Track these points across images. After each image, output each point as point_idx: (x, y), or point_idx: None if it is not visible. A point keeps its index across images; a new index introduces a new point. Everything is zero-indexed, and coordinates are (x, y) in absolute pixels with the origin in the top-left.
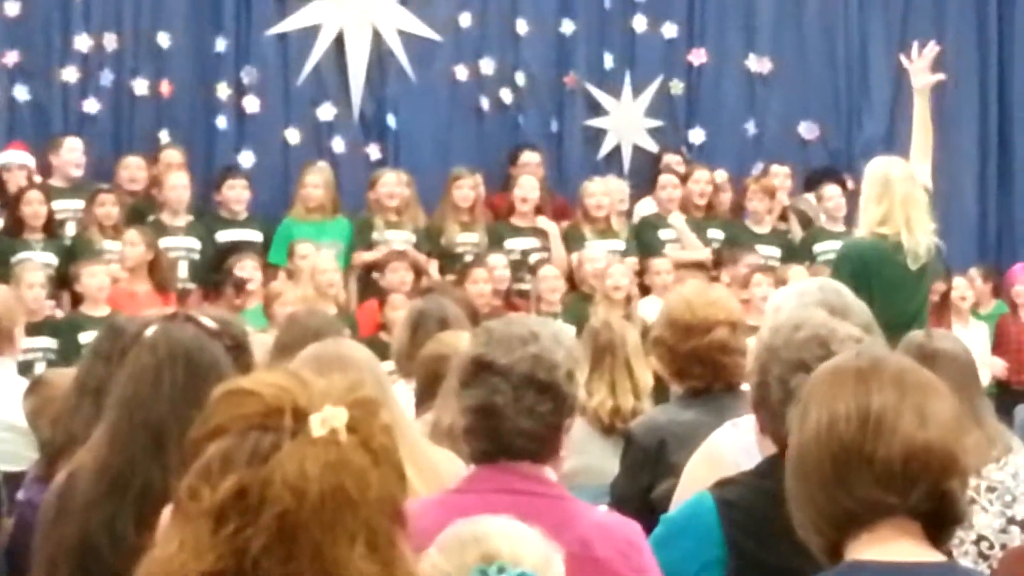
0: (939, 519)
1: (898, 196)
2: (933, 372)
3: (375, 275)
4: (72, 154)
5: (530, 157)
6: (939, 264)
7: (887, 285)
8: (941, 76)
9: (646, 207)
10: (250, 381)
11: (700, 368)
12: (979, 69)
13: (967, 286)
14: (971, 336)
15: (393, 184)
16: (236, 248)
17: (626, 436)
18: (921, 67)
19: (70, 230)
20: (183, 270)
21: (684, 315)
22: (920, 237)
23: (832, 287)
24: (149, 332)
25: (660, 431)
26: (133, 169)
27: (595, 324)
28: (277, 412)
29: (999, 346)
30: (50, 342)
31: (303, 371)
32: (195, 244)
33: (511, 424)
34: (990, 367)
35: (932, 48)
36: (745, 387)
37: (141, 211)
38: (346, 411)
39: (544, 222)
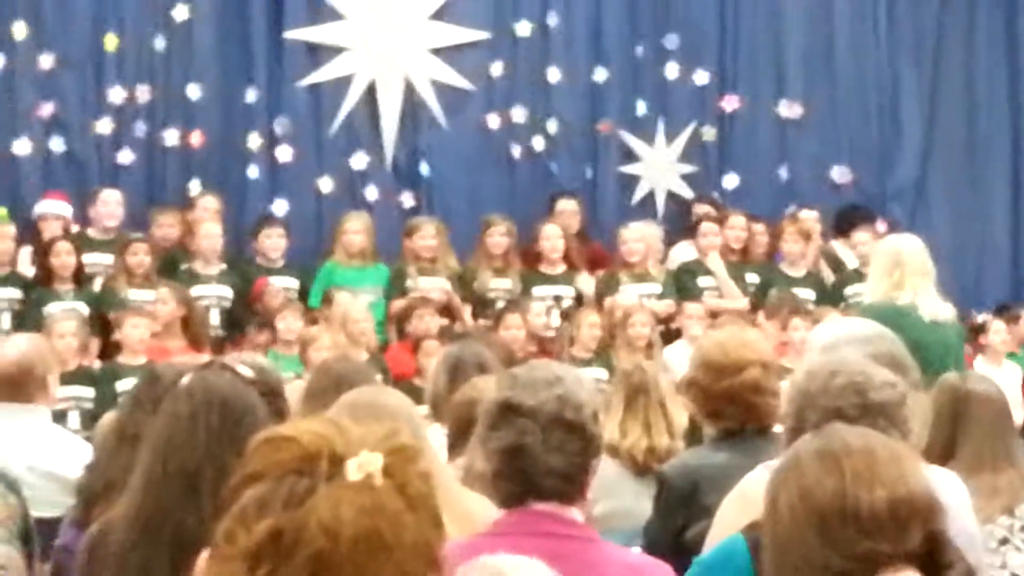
0: (934, 564)
1: (909, 267)
2: (967, 414)
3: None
4: (107, 207)
5: (566, 204)
6: (960, 327)
7: (913, 342)
8: None
9: (682, 252)
10: (288, 428)
11: (733, 408)
12: (1010, 108)
13: (1003, 328)
14: (1003, 376)
15: (431, 235)
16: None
17: (659, 478)
18: None
19: (98, 285)
20: (215, 318)
21: (716, 355)
22: (933, 303)
23: (892, 337)
24: (185, 380)
25: (693, 473)
26: (166, 228)
27: (627, 367)
28: (314, 457)
29: None
30: (84, 391)
31: (340, 419)
32: (227, 292)
33: (541, 464)
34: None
35: None
36: (778, 429)
37: (174, 260)
38: (382, 456)
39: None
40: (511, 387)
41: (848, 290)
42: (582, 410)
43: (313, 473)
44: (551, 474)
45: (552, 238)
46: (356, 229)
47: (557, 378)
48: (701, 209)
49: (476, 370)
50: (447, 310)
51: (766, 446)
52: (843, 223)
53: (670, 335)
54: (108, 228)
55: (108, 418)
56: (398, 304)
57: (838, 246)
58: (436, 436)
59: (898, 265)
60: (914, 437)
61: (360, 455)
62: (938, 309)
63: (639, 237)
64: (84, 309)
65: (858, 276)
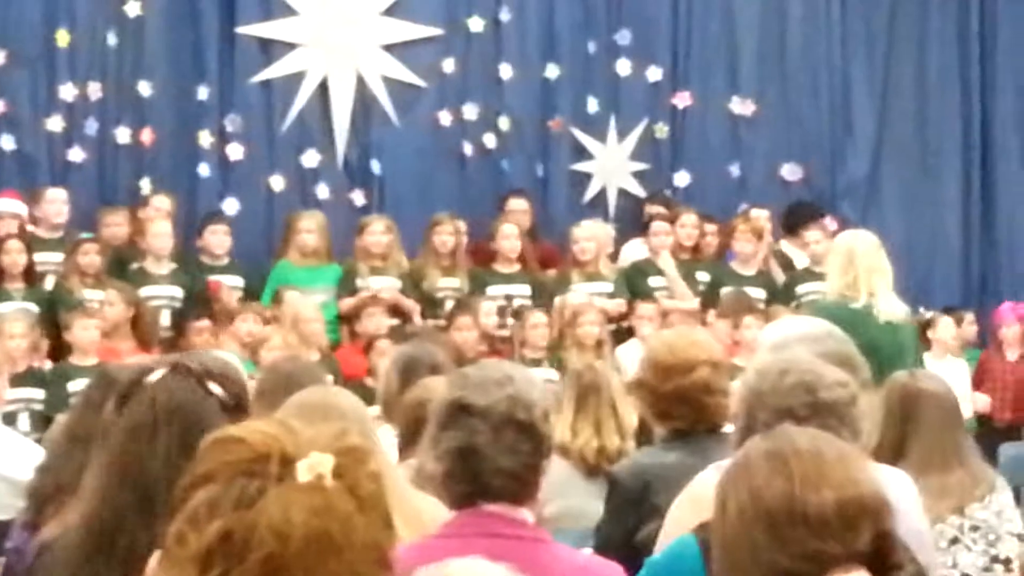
0: (884, 565)
1: (863, 266)
2: (917, 412)
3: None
4: (53, 205)
5: (517, 204)
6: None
7: (867, 344)
8: None
9: (634, 250)
10: (238, 429)
11: (683, 408)
12: (961, 111)
13: (951, 324)
14: (951, 372)
15: (380, 231)
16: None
17: (610, 479)
18: None
19: (49, 283)
20: (165, 318)
21: (665, 356)
22: (887, 303)
23: (842, 336)
24: (150, 379)
25: (644, 473)
26: (114, 227)
27: (578, 366)
28: (264, 458)
29: (983, 383)
30: (34, 392)
31: (290, 420)
32: (178, 292)
33: (491, 464)
34: (972, 403)
35: None
36: (729, 429)
37: (123, 259)
38: (333, 458)
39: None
40: (462, 387)
41: (799, 289)
42: (533, 410)
43: (263, 474)
44: (501, 474)
45: (510, 237)
46: (310, 228)
47: (508, 377)
48: (653, 208)
49: (428, 371)
50: (398, 310)
51: (717, 446)
52: (791, 221)
53: (622, 334)
54: (56, 226)
55: (60, 420)
56: (347, 303)
57: (787, 245)
58: (387, 437)
59: (852, 263)
60: (865, 437)
61: (310, 456)
62: (893, 309)
63: (590, 236)
64: (34, 309)
65: (809, 275)
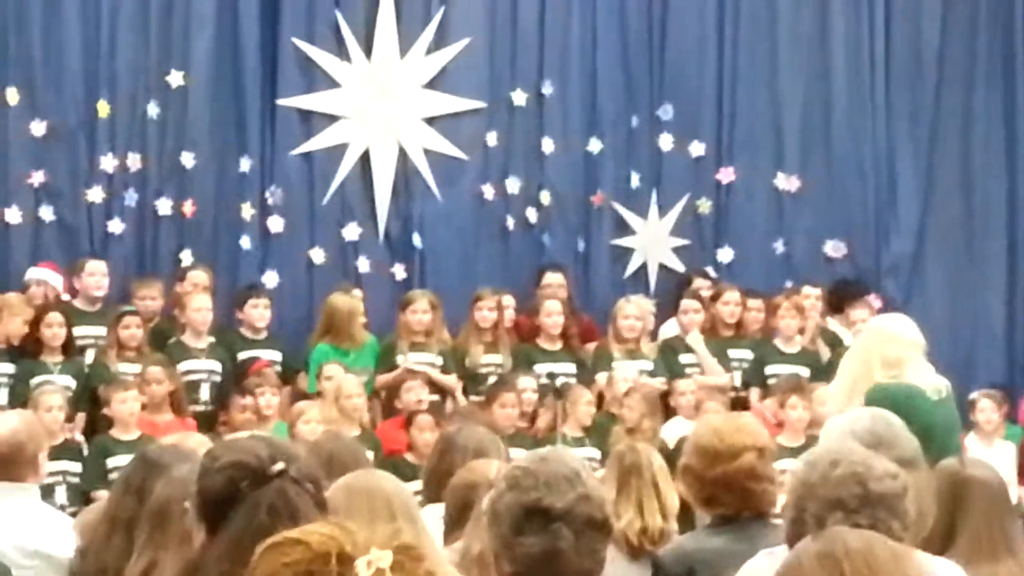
0: None
1: (903, 342)
2: (966, 499)
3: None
4: (93, 278)
5: (552, 278)
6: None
7: (923, 422)
8: None
9: (671, 330)
10: (295, 532)
11: (729, 495)
12: (1007, 189)
13: (993, 408)
14: (996, 457)
15: (423, 309)
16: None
17: (655, 563)
18: None
19: (89, 357)
20: (205, 392)
21: (712, 441)
22: (930, 377)
23: (883, 418)
24: (272, 484)
25: (688, 559)
26: (147, 300)
27: (621, 448)
28: (323, 557)
29: None
30: (71, 465)
31: (344, 520)
32: (217, 367)
33: (575, 567)
34: (1019, 489)
35: None
36: (776, 516)
37: (163, 333)
38: (391, 554)
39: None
40: (534, 487)
41: None
42: (605, 506)
43: (324, 574)
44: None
45: (552, 314)
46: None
47: (575, 473)
48: (702, 284)
49: (474, 453)
50: (439, 386)
51: (763, 532)
52: (837, 299)
53: (666, 412)
54: (95, 299)
55: (98, 505)
56: (383, 379)
57: (834, 323)
58: (433, 516)
59: (889, 344)
60: (915, 526)
61: (370, 553)
62: (939, 384)
63: (639, 315)
64: (71, 382)
65: None
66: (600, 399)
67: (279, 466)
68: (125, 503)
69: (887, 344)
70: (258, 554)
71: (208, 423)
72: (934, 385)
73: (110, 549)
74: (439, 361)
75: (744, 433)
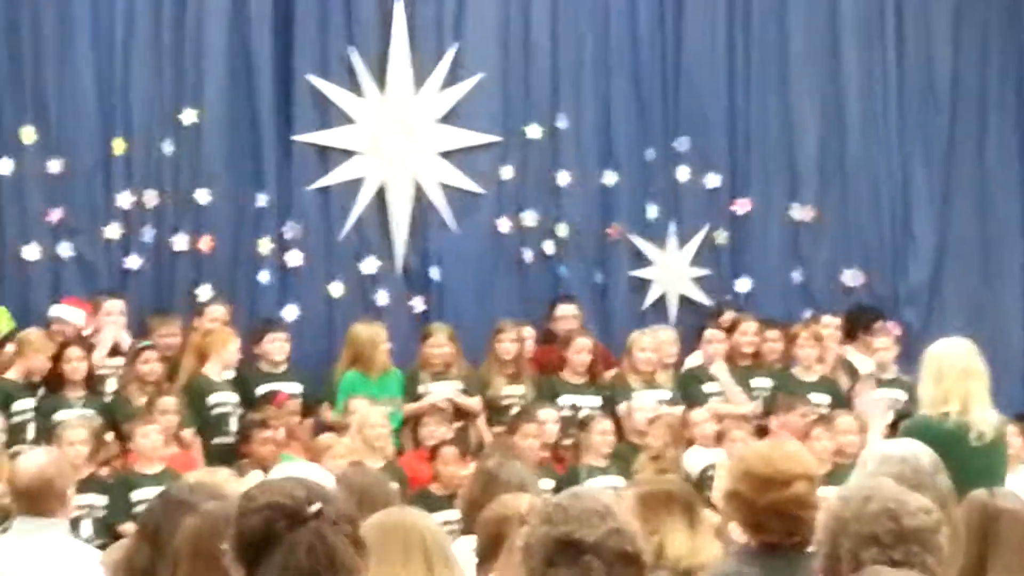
0: None
1: (955, 372)
2: (997, 532)
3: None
4: (110, 316)
5: (566, 309)
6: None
7: (957, 467)
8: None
9: (695, 360)
10: None
11: (779, 522)
12: (1022, 210)
13: (1016, 433)
14: (1020, 483)
15: (443, 342)
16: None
17: None
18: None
19: (111, 386)
20: (232, 424)
21: (762, 468)
22: (982, 412)
23: (915, 459)
24: (308, 526)
25: None
26: (168, 338)
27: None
28: None
29: None
30: (97, 499)
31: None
32: (237, 399)
33: None
34: None
35: None
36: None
37: (177, 366)
38: None
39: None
40: (564, 521)
41: None
42: (637, 540)
43: None
44: None
45: (583, 351)
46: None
47: (607, 508)
48: (730, 314)
49: (517, 488)
50: (463, 411)
51: (800, 562)
52: (851, 326)
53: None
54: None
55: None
56: (411, 407)
57: (852, 352)
58: (464, 548)
59: (941, 376)
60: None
61: None
62: (985, 425)
63: (654, 347)
64: (94, 416)
65: (872, 382)
66: (620, 428)
67: (316, 507)
68: (141, 550)
69: (960, 379)
70: None
71: (236, 457)
72: (983, 427)
73: None
74: (461, 386)
75: (794, 461)
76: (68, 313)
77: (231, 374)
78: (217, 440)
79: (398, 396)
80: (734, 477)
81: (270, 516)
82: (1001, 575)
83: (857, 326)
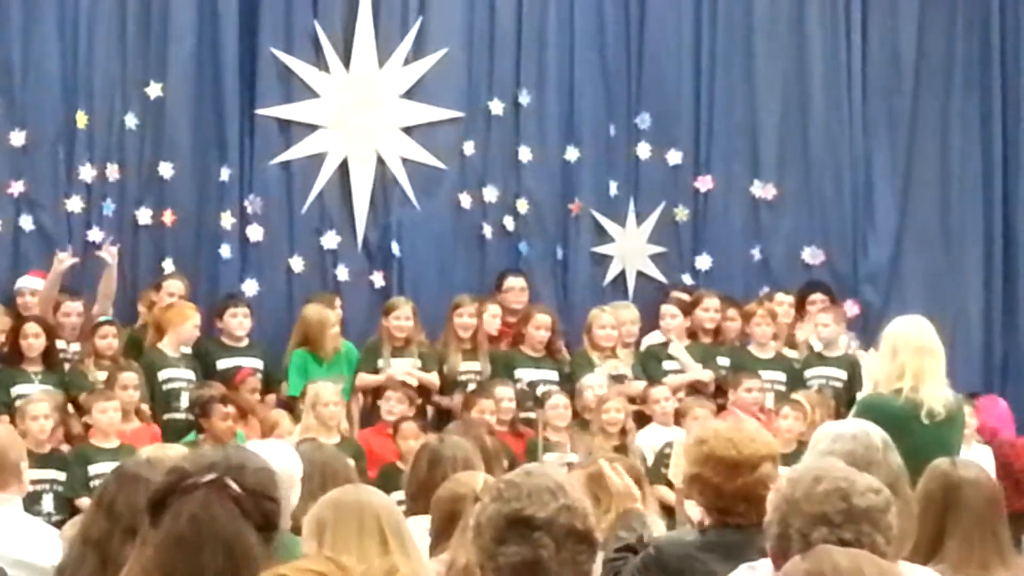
0: None
1: (910, 349)
2: (958, 502)
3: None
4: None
5: (514, 282)
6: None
7: (909, 444)
8: None
9: (655, 339)
10: (289, 568)
11: (746, 505)
12: (984, 196)
13: (971, 413)
14: (979, 459)
15: (405, 316)
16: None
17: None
18: None
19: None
20: (184, 400)
21: (728, 452)
22: (933, 389)
23: (866, 436)
24: (194, 494)
25: (687, 550)
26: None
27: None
28: None
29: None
30: (57, 474)
31: (336, 555)
32: (192, 375)
33: None
34: None
35: None
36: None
37: (138, 341)
38: None
39: None
40: (516, 498)
41: (807, 373)
42: (588, 518)
43: None
44: None
45: (542, 328)
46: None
47: (558, 486)
48: (679, 296)
49: (460, 464)
50: (422, 388)
51: (757, 537)
52: (801, 303)
53: (640, 418)
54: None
55: (79, 519)
56: (365, 378)
57: (802, 327)
58: (418, 529)
59: (896, 352)
60: (898, 539)
61: None
62: (936, 402)
63: (614, 324)
64: (53, 391)
65: (818, 359)
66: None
67: (209, 476)
68: (97, 521)
69: (915, 356)
70: None
71: (187, 431)
72: (934, 404)
73: (84, 568)
74: (419, 363)
75: (759, 443)
76: (33, 283)
77: (188, 349)
78: (168, 416)
79: (344, 373)
80: (695, 460)
81: (169, 480)
82: (961, 544)
83: (806, 303)
